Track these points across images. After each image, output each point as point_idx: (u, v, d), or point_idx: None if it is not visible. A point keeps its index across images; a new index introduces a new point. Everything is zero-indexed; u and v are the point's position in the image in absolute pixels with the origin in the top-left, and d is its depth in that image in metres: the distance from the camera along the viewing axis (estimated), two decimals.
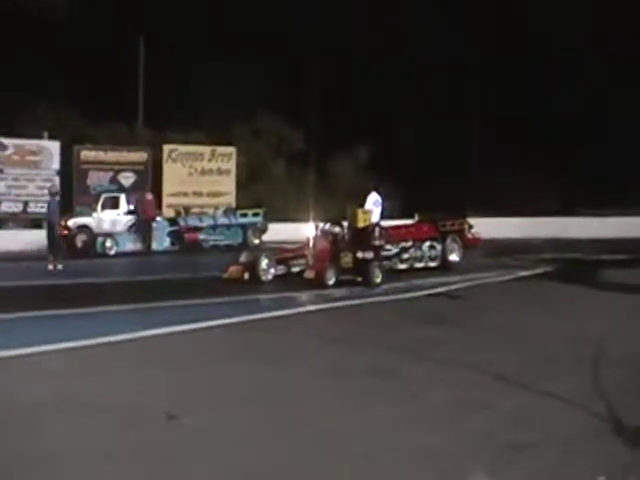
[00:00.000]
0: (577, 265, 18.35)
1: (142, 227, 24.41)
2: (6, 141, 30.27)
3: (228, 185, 34.43)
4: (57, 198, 20.52)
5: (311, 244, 13.77)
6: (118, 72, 35.26)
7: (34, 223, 31.19)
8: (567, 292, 12.81)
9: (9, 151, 30.38)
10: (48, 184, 30.60)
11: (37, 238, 28.61)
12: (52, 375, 6.27)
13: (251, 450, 4.25)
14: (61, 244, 19.76)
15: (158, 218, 25.10)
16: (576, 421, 4.88)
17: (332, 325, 9.41)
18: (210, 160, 34.26)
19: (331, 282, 12.96)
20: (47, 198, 30.29)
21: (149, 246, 23.89)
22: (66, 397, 5.45)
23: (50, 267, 18.00)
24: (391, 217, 18.32)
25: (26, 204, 30.69)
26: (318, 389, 5.76)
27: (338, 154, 39.47)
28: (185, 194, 33.31)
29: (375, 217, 15.31)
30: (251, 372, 6.30)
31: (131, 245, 24.07)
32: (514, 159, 34.50)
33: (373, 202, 15.97)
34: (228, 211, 28.33)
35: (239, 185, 34.87)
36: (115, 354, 7.15)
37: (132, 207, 26.58)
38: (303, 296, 12.20)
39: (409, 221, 18.58)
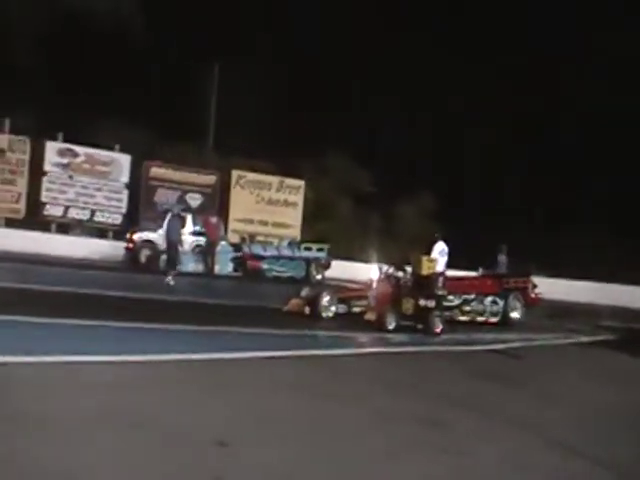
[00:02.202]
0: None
1: (206, 249, 24.68)
2: (78, 149, 30.99)
3: (294, 218, 34.70)
4: (179, 218, 21.28)
5: (374, 286, 13.80)
6: (192, 94, 36.09)
7: (100, 232, 31.89)
8: (625, 363, 12.60)
9: (80, 159, 31.07)
10: (116, 195, 31.47)
11: (101, 248, 29.34)
12: (108, 388, 6.33)
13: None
14: (178, 262, 20.77)
15: (222, 242, 25.37)
16: None
17: (388, 370, 9.37)
18: (278, 190, 34.60)
19: (391, 326, 12.96)
20: (120, 209, 31.52)
21: (212, 269, 24.12)
22: (118, 411, 5.52)
23: (169, 280, 19.02)
24: (455, 267, 18.24)
25: (93, 213, 31.34)
26: (369, 433, 5.74)
27: (405, 200, 39.63)
28: (251, 221, 33.64)
29: (440, 266, 15.34)
30: (304, 408, 6.33)
31: (194, 265, 24.34)
32: (583, 219, 34.22)
33: (439, 251, 16.04)
34: (292, 243, 28.51)
35: (304, 219, 35.07)
36: (172, 373, 7.23)
37: (198, 228, 26.91)
38: (362, 337, 12.20)
39: (474, 274, 18.51)
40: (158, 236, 26.69)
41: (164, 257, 24.30)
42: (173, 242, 20.05)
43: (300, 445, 5.18)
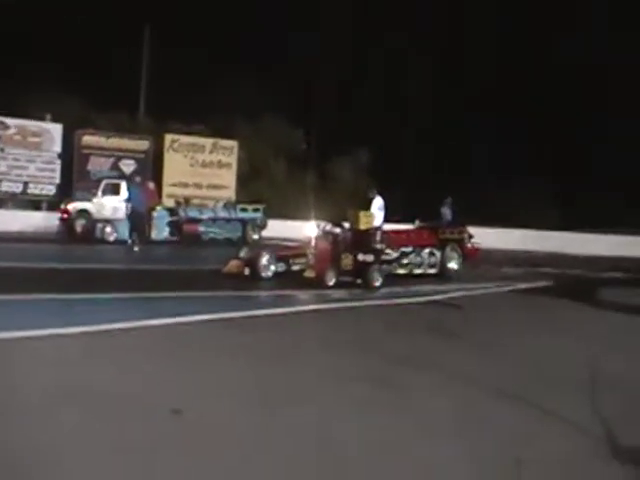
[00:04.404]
0: (576, 281, 18.42)
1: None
2: (8, 121, 30.26)
3: (228, 179, 34.53)
4: (140, 188, 21.99)
5: (312, 244, 13.79)
6: (121, 60, 35.40)
7: (34, 205, 31.28)
8: (564, 308, 12.81)
9: (11, 131, 30.35)
10: (49, 166, 30.84)
11: (35, 220, 28.79)
12: (55, 361, 6.24)
13: (247, 448, 4.29)
14: (144, 231, 21.65)
15: (158, 207, 25.05)
16: (573, 439, 4.89)
17: (330, 327, 9.40)
18: (211, 152, 34.34)
19: (331, 283, 12.99)
20: (53, 180, 30.91)
21: (148, 235, 23.81)
22: (67, 385, 5.44)
23: (136, 249, 20.15)
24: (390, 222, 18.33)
25: (26, 185, 30.68)
26: (316, 393, 5.73)
27: (339, 157, 39.70)
28: (185, 185, 33.37)
29: (377, 221, 15.41)
30: (250, 371, 6.29)
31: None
32: (519, 169, 34.70)
33: (378, 206, 16.11)
34: (228, 205, 28.29)
35: (239, 180, 34.93)
36: (114, 343, 7.13)
37: None
38: (302, 295, 12.22)
39: (409, 227, 18.58)
40: (93, 205, 26.35)
41: (100, 226, 24.02)
42: (137, 211, 20.32)
43: (251, 409, 5.16)
